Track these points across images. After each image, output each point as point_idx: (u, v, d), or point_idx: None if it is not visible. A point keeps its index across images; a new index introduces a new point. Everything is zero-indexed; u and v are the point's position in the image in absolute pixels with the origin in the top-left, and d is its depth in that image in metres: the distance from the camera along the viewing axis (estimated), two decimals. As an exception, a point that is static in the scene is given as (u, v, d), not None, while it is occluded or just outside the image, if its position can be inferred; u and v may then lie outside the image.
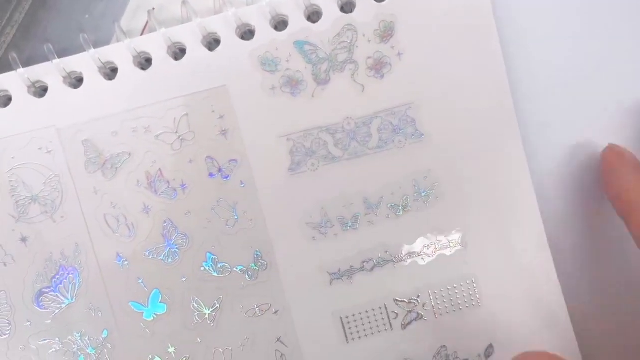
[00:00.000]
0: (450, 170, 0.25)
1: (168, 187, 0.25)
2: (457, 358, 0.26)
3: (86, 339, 0.25)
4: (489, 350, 0.26)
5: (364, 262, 0.25)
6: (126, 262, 0.25)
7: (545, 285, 0.26)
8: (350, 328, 0.25)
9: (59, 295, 0.25)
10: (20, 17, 0.24)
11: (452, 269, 0.26)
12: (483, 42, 0.25)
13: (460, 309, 0.26)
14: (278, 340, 0.25)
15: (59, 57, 0.24)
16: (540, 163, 0.26)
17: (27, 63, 0.24)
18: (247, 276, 0.25)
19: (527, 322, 0.26)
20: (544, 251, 0.26)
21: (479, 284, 0.26)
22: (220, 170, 0.25)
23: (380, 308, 0.26)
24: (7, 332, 0.25)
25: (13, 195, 0.24)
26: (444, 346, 0.26)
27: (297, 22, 0.25)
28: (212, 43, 0.25)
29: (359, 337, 0.25)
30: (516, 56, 0.26)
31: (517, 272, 0.26)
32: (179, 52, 0.25)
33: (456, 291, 0.26)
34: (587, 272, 0.27)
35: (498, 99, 0.25)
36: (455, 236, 0.25)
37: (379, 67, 0.25)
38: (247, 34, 0.25)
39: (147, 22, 0.25)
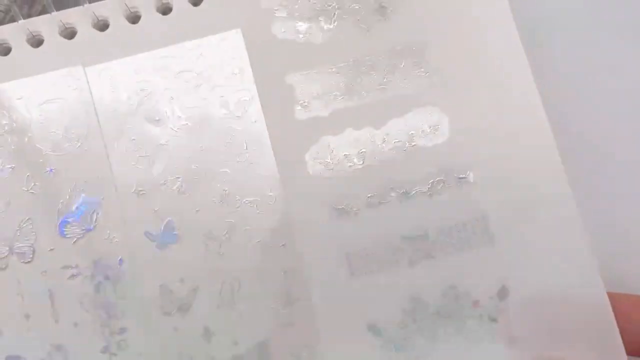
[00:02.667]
0: (457, 106, 0.25)
1: (184, 123, 0.26)
2: (467, 298, 0.25)
3: (102, 266, 0.26)
4: (503, 292, 0.25)
5: (369, 197, 0.25)
6: (143, 193, 0.26)
7: (565, 221, 0.24)
8: (355, 263, 0.25)
9: (80, 224, 0.26)
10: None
11: (462, 205, 0.25)
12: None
13: (471, 247, 0.25)
14: (284, 272, 0.25)
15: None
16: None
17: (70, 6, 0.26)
18: (256, 210, 0.25)
19: (544, 263, 0.24)
20: (564, 186, 0.24)
21: (490, 221, 0.25)
22: (232, 108, 0.26)
23: (386, 245, 0.25)
24: (30, 257, 0.26)
25: (43, 128, 0.26)
26: (454, 286, 0.25)
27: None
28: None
29: (365, 273, 0.25)
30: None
31: (531, 207, 0.25)
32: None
33: (466, 228, 0.25)
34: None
35: (506, 36, 0.25)
36: (465, 171, 0.25)
37: (383, 9, 0.26)
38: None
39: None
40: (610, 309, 0.24)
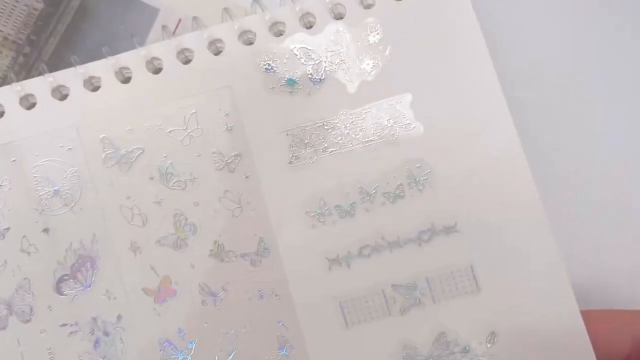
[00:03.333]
0: (443, 159, 0.26)
1: (178, 179, 0.26)
2: (457, 344, 0.26)
3: (101, 322, 0.26)
4: (491, 338, 0.25)
5: (361, 248, 0.26)
6: (139, 250, 0.26)
7: (548, 268, 0.25)
8: (349, 313, 0.26)
9: (77, 282, 0.26)
10: (63, 28, 0.26)
11: (449, 254, 0.26)
12: (467, 39, 0.26)
13: (459, 294, 0.26)
14: (280, 323, 0.26)
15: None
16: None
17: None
18: (250, 263, 0.26)
19: (530, 308, 0.25)
20: (546, 233, 0.25)
21: (477, 269, 0.26)
22: (225, 163, 0.26)
23: (378, 293, 0.26)
24: (29, 317, 0.26)
25: (37, 189, 0.26)
26: (444, 332, 0.26)
27: (294, 29, 0.26)
28: (217, 49, 0.27)
29: (359, 322, 0.26)
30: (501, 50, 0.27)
31: (517, 257, 0.26)
32: (187, 59, 0.27)
33: (454, 277, 0.26)
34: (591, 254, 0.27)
35: (487, 88, 0.26)
36: (451, 222, 0.26)
37: (369, 66, 0.26)
38: (248, 40, 0.27)
39: (177, 26, 0.28)
40: (593, 355, 0.25)
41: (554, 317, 0.26)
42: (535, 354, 0.26)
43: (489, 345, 0.26)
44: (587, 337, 0.26)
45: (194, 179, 0.27)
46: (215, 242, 0.27)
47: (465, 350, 0.26)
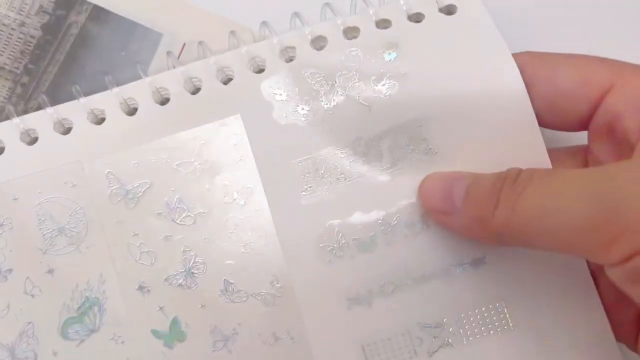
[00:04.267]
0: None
1: (187, 214, 0.25)
2: (491, 388, 0.23)
3: (108, 369, 0.24)
4: (526, 378, 0.23)
5: (383, 285, 0.24)
6: (147, 290, 0.24)
7: (584, 302, 0.23)
8: (372, 356, 0.24)
9: (83, 325, 0.24)
10: (61, 57, 0.25)
11: (479, 289, 0.24)
12: (490, 51, 0.24)
13: (490, 333, 0.23)
14: (298, 369, 0.24)
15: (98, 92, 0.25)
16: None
17: (66, 100, 0.25)
18: (263, 303, 0.24)
19: (568, 346, 0.23)
20: (581, 263, 0.23)
21: (510, 305, 0.23)
22: (235, 197, 0.24)
23: (403, 334, 0.24)
24: (34, 363, 0.24)
25: (40, 229, 0.25)
26: (475, 374, 0.23)
27: (304, 52, 0.25)
28: (227, 77, 0.26)
29: (382, 366, 0.24)
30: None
31: (550, 292, 0.23)
32: (195, 88, 0.25)
33: (485, 314, 0.23)
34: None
35: (516, 107, 0.24)
36: (479, 254, 0.24)
37: (384, 86, 0.24)
38: (258, 67, 0.25)
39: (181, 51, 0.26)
40: None
41: (593, 354, 0.24)
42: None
43: (525, 388, 0.24)
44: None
45: (204, 213, 0.25)
46: (225, 280, 0.25)
47: (500, 395, 0.24)
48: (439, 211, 0.24)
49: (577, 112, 0.24)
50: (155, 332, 0.25)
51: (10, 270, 0.25)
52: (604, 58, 0.24)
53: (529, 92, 0.25)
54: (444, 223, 0.24)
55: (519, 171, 0.22)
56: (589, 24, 0.30)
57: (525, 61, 0.25)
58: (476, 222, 0.22)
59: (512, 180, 0.21)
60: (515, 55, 0.25)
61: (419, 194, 0.24)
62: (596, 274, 0.24)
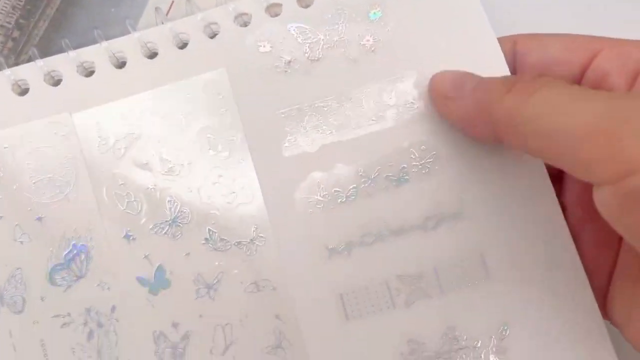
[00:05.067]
0: (448, 141, 0.24)
1: (172, 165, 0.25)
2: (467, 338, 0.23)
3: (95, 313, 0.25)
4: (503, 332, 0.23)
5: (363, 235, 0.24)
6: (133, 239, 0.25)
7: (563, 252, 0.23)
8: (350, 305, 0.24)
9: (70, 271, 0.25)
10: (52, 12, 0.25)
11: (457, 241, 0.24)
12: (475, 31, 0.24)
13: (468, 285, 0.23)
14: (276, 317, 0.24)
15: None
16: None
17: (56, 54, 0.26)
18: (246, 252, 0.24)
19: (545, 298, 0.23)
20: (558, 216, 0.23)
21: (489, 257, 0.23)
22: (219, 148, 0.25)
23: (381, 285, 0.24)
24: (21, 308, 0.25)
25: (30, 177, 0.26)
26: (453, 325, 0.23)
27: (290, 8, 0.25)
28: (213, 32, 0.26)
29: (360, 315, 0.24)
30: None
31: (529, 241, 0.23)
32: (182, 43, 0.26)
33: (463, 266, 0.24)
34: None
35: (494, 65, 0.24)
36: (458, 207, 0.24)
37: (369, 42, 0.25)
38: (243, 22, 0.26)
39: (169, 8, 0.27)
40: (612, 349, 0.23)
41: (570, 308, 0.24)
42: (550, 347, 0.23)
43: (500, 339, 0.24)
44: (605, 329, 0.23)
45: (189, 164, 0.26)
46: (209, 230, 0.25)
47: (476, 344, 0.24)
48: (446, 96, 0.24)
49: (568, 76, 0.24)
50: (140, 280, 0.26)
51: (1, 218, 0.26)
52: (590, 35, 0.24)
53: (521, 62, 0.25)
54: (447, 110, 0.24)
55: (539, 74, 0.22)
56: (576, 9, 0.30)
57: (516, 38, 0.25)
58: (480, 107, 0.22)
59: (529, 78, 0.21)
60: (505, 37, 0.25)
61: (430, 82, 0.25)
62: (576, 229, 0.24)
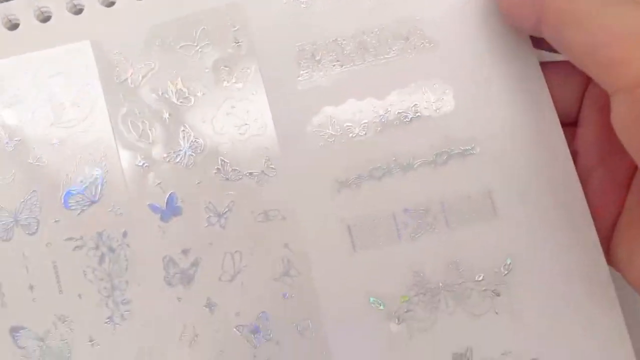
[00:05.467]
0: (461, 78, 0.24)
1: (187, 95, 0.25)
2: (471, 272, 0.24)
3: (106, 238, 0.25)
4: (506, 268, 0.23)
5: (372, 169, 0.24)
6: (147, 166, 0.25)
7: (568, 195, 0.23)
8: (357, 237, 0.24)
9: (84, 196, 0.25)
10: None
11: (466, 178, 0.24)
12: None
13: (475, 221, 0.24)
14: (285, 245, 0.24)
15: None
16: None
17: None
18: (256, 182, 0.25)
19: (551, 236, 0.23)
20: (566, 159, 0.23)
21: (497, 194, 0.24)
22: (234, 80, 0.25)
23: (388, 217, 0.24)
24: (35, 229, 0.25)
25: (51, 102, 0.26)
26: (457, 260, 0.24)
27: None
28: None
29: (367, 247, 0.24)
30: None
31: (538, 182, 0.24)
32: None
33: (470, 202, 0.24)
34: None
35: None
36: (469, 144, 0.24)
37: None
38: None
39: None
40: (613, 288, 0.23)
41: (574, 249, 0.24)
42: (553, 283, 0.24)
43: (504, 274, 0.24)
44: (607, 268, 0.23)
45: (203, 95, 0.26)
46: (221, 160, 0.26)
47: (479, 279, 0.24)
48: None
49: None
50: (152, 207, 0.26)
51: (19, 141, 0.26)
52: None
53: None
54: None
55: None
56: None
57: None
58: None
59: None
60: None
61: None
62: (584, 175, 0.24)
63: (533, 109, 0.24)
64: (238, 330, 0.25)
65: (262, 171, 0.26)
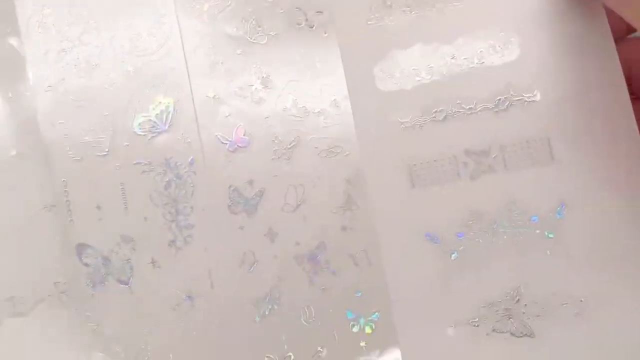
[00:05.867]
0: (526, 27, 0.25)
1: (260, 34, 0.26)
2: (525, 213, 0.25)
3: (174, 164, 0.26)
4: (560, 210, 0.24)
5: (436, 112, 0.25)
6: (218, 98, 0.26)
7: (627, 142, 0.24)
8: (418, 175, 0.25)
9: (155, 123, 0.26)
10: None
11: (526, 124, 0.25)
12: None
13: (532, 165, 0.25)
14: (347, 181, 0.25)
15: None
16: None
17: None
18: (324, 119, 0.26)
19: (605, 183, 0.24)
20: (627, 109, 0.24)
21: (554, 140, 0.25)
22: (307, 19, 0.26)
23: (449, 157, 0.25)
24: (106, 151, 0.26)
25: (128, 29, 0.27)
26: (513, 201, 0.25)
27: None
28: None
29: (426, 185, 0.25)
30: None
31: (595, 130, 0.24)
32: None
33: (529, 147, 0.25)
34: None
35: None
36: (531, 91, 0.25)
37: None
38: None
39: None
40: None
41: (628, 195, 0.25)
42: (605, 229, 0.25)
43: (557, 217, 0.25)
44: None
45: (275, 34, 0.27)
46: (292, 98, 0.27)
47: (533, 220, 0.25)
48: None
49: None
50: (220, 138, 0.27)
51: (96, 65, 0.27)
52: None
53: None
54: None
55: None
56: None
57: None
58: None
59: None
60: None
61: None
62: None
63: (596, 61, 0.25)
64: (296, 259, 0.26)
65: (329, 110, 0.27)
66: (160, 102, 0.27)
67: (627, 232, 0.25)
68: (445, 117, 0.26)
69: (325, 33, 0.27)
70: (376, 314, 0.26)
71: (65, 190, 0.27)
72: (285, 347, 0.26)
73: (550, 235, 0.25)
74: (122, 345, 0.27)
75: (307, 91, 0.27)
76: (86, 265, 0.27)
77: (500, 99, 0.26)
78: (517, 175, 0.26)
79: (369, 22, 0.27)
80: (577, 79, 0.25)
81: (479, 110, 0.26)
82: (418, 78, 0.26)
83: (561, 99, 0.26)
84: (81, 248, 0.27)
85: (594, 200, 0.25)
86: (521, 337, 0.25)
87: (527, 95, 0.26)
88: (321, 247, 0.26)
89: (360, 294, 0.26)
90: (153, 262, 0.27)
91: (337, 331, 0.26)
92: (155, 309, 0.27)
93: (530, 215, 0.25)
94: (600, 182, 0.25)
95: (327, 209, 0.26)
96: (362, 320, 0.26)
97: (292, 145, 0.27)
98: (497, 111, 0.26)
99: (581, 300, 0.25)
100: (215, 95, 0.27)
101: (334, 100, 0.27)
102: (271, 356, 0.26)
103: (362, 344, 0.26)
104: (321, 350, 0.26)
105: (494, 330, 0.25)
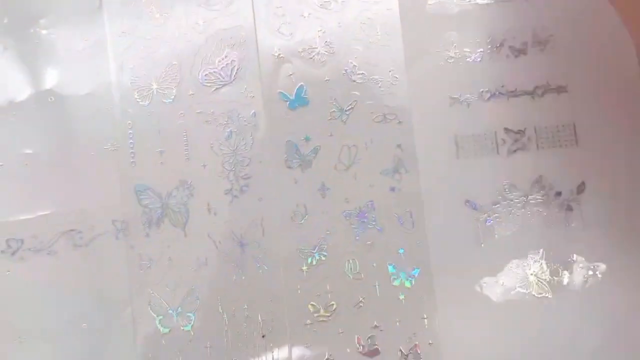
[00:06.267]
0: (566, 24, 0.28)
1: (327, 0, 0.28)
2: (551, 188, 0.28)
3: (236, 116, 0.27)
4: (581, 187, 0.28)
5: (482, 92, 0.28)
6: (282, 56, 0.28)
7: None
8: (462, 146, 0.28)
9: (220, 75, 0.27)
10: None
11: (557, 111, 0.28)
12: None
13: (560, 146, 0.28)
14: (398, 146, 0.28)
15: None
16: None
17: None
18: (379, 87, 0.28)
19: (622, 166, 0.28)
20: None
21: (579, 127, 0.28)
22: (372, -7, 0.28)
23: (490, 133, 0.28)
24: (172, 97, 0.27)
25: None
26: (542, 176, 0.28)
27: None
28: None
29: (469, 156, 0.28)
30: None
31: (617, 120, 0.28)
32: None
33: (558, 130, 0.28)
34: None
35: None
36: (563, 82, 0.28)
37: None
38: None
39: None
40: None
41: None
42: (621, 207, 0.28)
43: (578, 194, 0.28)
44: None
45: (342, 2, 0.29)
46: (350, 62, 0.28)
47: (557, 194, 0.29)
48: None
49: None
50: (282, 94, 0.29)
51: (168, 16, 0.28)
52: None
53: None
54: None
55: None
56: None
57: None
58: None
59: None
60: None
61: None
62: None
63: (617, 59, 0.29)
64: (345, 214, 0.29)
65: (386, 79, 0.29)
66: (226, 56, 0.28)
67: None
68: (489, 98, 0.29)
69: (388, 9, 0.29)
70: (417, 269, 0.28)
71: (130, 132, 0.28)
72: (329, 296, 0.28)
73: (571, 209, 0.29)
74: (172, 285, 0.28)
75: (367, 59, 0.29)
76: (144, 206, 0.28)
77: (537, 86, 0.29)
78: (546, 154, 0.29)
79: (429, 3, 0.29)
80: (605, 76, 0.29)
81: (520, 94, 0.29)
82: (469, 59, 0.29)
83: (587, 92, 0.29)
84: (141, 189, 0.28)
85: (612, 181, 0.29)
86: (540, 297, 0.29)
87: (560, 85, 0.29)
88: (369, 206, 0.29)
89: (402, 250, 0.28)
90: (209, 208, 0.28)
91: (378, 283, 0.28)
92: (207, 253, 0.28)
93: (555, 189, 0.29)
94: (618, 165, 0.29)
95: (377, 171, 0.29)
96: (403, 275, 0.28)
97: (349, 108, 0.29)
98: (534, 97, 0.29)
99: (596, 265, 0.29)
100: (279, 55, 0.29)
101: (392, 70, 0.29)
102: (315, 304, 0.28)
103: (402, 296, 0.28)
104: (362, 300, 0.28)
105: (518, 287, 0.28)
